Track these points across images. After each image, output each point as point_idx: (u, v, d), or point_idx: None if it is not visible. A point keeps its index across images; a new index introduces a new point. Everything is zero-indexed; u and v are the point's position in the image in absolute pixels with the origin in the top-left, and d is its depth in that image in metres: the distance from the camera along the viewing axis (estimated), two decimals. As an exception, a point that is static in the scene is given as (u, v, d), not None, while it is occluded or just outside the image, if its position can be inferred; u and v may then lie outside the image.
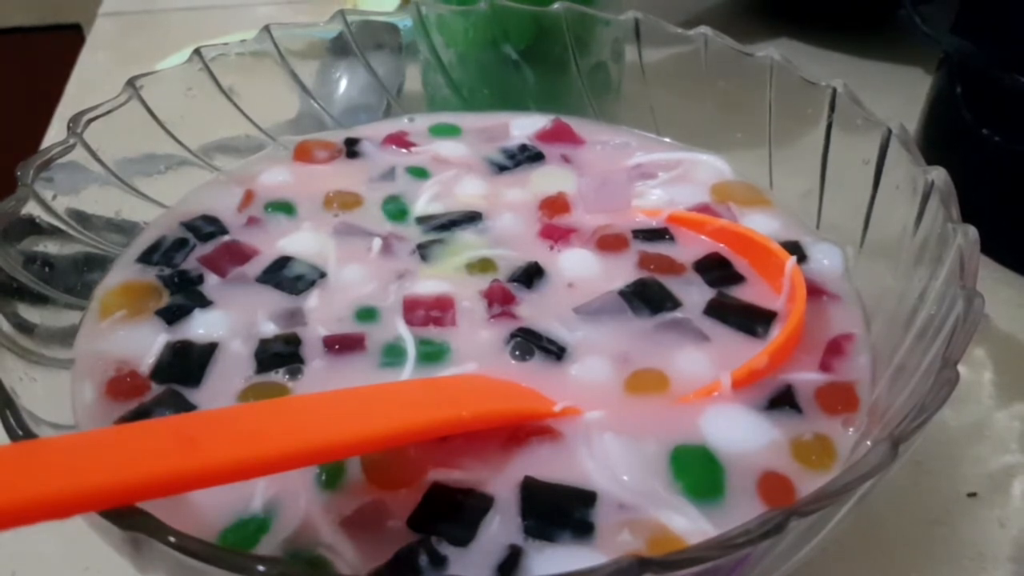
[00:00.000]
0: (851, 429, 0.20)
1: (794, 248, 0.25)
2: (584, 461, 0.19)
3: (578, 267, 0.25)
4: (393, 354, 0.21)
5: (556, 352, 0.21)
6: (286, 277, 0.24)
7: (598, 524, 0.17)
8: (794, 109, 0.27)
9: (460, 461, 0.18)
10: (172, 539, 0.13)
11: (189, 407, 0.20)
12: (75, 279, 0.23)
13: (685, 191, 0.28)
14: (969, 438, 0.25)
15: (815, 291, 0.23)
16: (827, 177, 0.26)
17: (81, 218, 0.24)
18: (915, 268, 0.21)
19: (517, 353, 0.22)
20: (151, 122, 0.27)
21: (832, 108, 0.26)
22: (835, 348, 0.22)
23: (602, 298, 0.23)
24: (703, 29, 0.29)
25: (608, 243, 0.26)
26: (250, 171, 0.29)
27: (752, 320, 0.23)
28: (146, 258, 0.25)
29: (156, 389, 0.20)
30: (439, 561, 0.17)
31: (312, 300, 0.23)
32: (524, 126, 0.31)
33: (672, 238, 0.26)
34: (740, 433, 0.20)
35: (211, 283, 0.24)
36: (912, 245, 0.22)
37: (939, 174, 0.21)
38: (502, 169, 0.29)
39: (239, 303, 0.23)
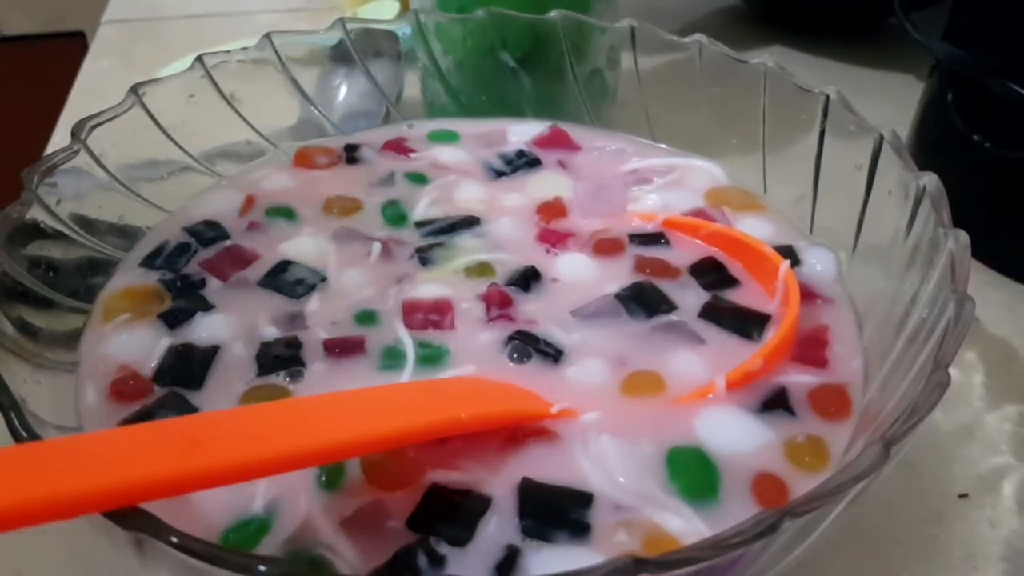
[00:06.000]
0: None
1: (788, 252, 0.25)
2: (581, 462, 0.19)
3: (575, 271, 0.25)
4: (393, 357, 0.22)
5: (553, 354, 0.22)
6: (287, 281, 0.24)
7: (594, 524, 0.18)
8: (788, 115, 0.27)
9: (458, 462, 0.19)
10: (174, 539, 0.13)
11: (191, 409, 0.20)
12: (79, 283, 0.23)
13: (680, 196, 0.28)
14: (960, 440, 0.25)
15: (808, 295, 0.24)
16: (820, 182, 0.26)
17: (85, 223, 0.24)
18: (907, 272, 0.22)
19: (515, 355, 0.22)
20: (154, 128, 0.27)
21: (825, 114, 0.26)
22: (820, 343, 0.22)
23: (598, 301, 0.23)
24: (698, 36, 0.29)
25: (604, 247, 0.26)
26: (251, 177, 0.29)
27: (746, 323, 0.23)
28: (149, 262, 0.25)
29: (159, 391, 0.21)
30: (438, 561, 0.17)
31: (312, 304, 0.24)
32: (521, 132, 0.32)
33: (667, 242, 0.26)
34: (734, 435, 0.20)
35: (213, 287, 0.24)
36: (904, 249, 0.22)
37: (931, 179, 0.22)
38: (500, 174, 0.30)
39: (240, 307, 0.23)
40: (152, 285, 0.24)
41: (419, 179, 0.29)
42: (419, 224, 0.27)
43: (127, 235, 0.26)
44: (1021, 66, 0.30)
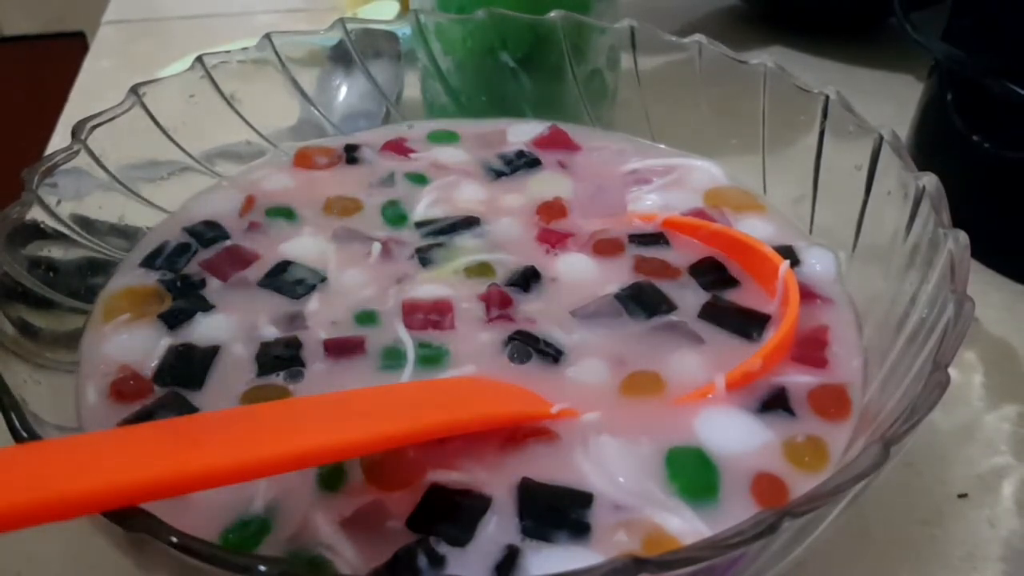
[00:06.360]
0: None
1: (787, 252, 0.25)
2: (581, 462, 0.19)
3: (574, 271, 0.25)
4: (392, 357, 0.22)
5: (553, 355, 0.22)
6: (287, 281, 0.24)
7: (594, 524, 0.18)
8: (787, 116, 0.27)
9: (458, 462, 0.19)
10: (174, 539, 0.14)
11: (191, 409, 0.20)
12: (79, 283, 0.23)
13: (680, 196, 0.28)
14: (960, 440, 0.25)
15: (808, 295, 0.24)
16: (820, 183, 0.27)
17: (85, 223, 0.24)
18: (906, 272, 0.22)
19: (515, 356, 0.22)
20: (154, 129, 0.27)
21: (825, 115, 0.26)
22: (820, 343, 0.22)
23: (598, 301, 0.24)
24: (697, 37, 0.29)
25: (604, 247, 0.26)
26: (251, 177, 0.29)
27: (746, 323, 0.23)
28: (149, 263, 0.25)
29: (159, 391, 0.21)
30: (438, 561, 0.17)
31: (312, 304, 0.24)
32: (521, 132, 0.32)
33: (667, 242, 0.26)
34: (734, 435, 0.20)
35: (213, 287, 0.24)
36: (903, 250, 0.22)
37: (930, 180, 0.22)
38: (500, 175, 0.30)
39: (240, 307, 0.23)
40: (152, 285, 0.24)
41: (419, 179, 0.29)
42: (419, 224, 0.27)
43: (127, 235, 0.26)
44: (1020, 66, 0.30)
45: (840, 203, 0.25)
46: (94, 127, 0.25)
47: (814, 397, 0.21)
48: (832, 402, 0.21)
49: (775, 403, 0.21)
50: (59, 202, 0.23)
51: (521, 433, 0.19)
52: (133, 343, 0.22)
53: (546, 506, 0.18)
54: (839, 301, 0.24)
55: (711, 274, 0.25)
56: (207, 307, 0.23)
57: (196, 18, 0.53)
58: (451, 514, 0.18)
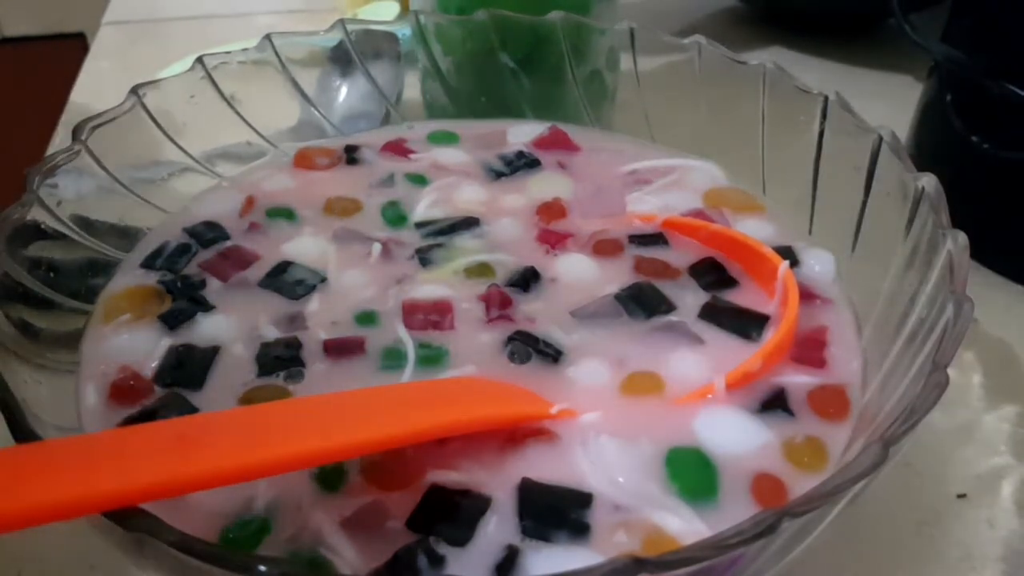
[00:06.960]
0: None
1: (787, 253, 0.25)
2: (580, 463, 0.19)
3: (574, 271, 0.25)
4: (392, 357, 0.22)
5: (553, 355, 0.22)
6: (287, 282, 0.24)
7: (594, 525, 0.18)
8: (787, 116, 0.27)
9: (458, 463, 0.19)
10: (174, 539, 0.14)
11: (191, 409, 0.20)
12: (79, 284, 0.23)
13: (679, 197, 0.28)
14: (959, 440, 0.25)
15: (807, 295, 0.24)
16: (819, 183, 0.27)
17: (85, 224, 0.24)
18: (906, 273, 0.22)
19: (514, 356, 0.22)
20: (154, 129, 0.27)
21: (824, 115, 0.26)
22: (819, 343, 0.22)
23: (598, 302, 0.24)
24: (697, 38, 0.29)
25: (604, 248, 0.26)
26: (251, 178, 0.29)
27: (746, 323, 0.23)
28: (149, 263, 0.25)
29: (159, 392, 0.21)
30: (437, 561, 0.17)
31: (313, 304, 0.24)
32: (521, 133, 0.32)
33: (667, 243, 0.26)
34: (733, 435, 0.20)
35: (213, 288, 0.24)
36: (903, 250, 0.22)
37: (929, 180, 0.22)
38: (499, 175, 0.30)
39: (241, 307, 0.23)
40: (152, 286, 0.24)
41: (419, 180, 0.29)
42: (419, 225, 0.27)
43: (127, 236, 0.26)
44: (1020, 67, 0.30)
45: (839, 204, 0.25)
46: (95, 128, 0.25)
47: (813, 397, 0.21)
48: (831, 402, 0.21)
49: (774, 403, 0.21)
50: (60, 203, 0.23)
51: (521, 433, 0.19)
52: (133, 343, 0.22)
53: (546, 506, 0.18)
54: (838, 301, 0.24)
55: (711, 274, 0.25)
56: (207, 308, 0.23)
57: (196, 19, 0.53)
58: (451, 514, 0.18)
